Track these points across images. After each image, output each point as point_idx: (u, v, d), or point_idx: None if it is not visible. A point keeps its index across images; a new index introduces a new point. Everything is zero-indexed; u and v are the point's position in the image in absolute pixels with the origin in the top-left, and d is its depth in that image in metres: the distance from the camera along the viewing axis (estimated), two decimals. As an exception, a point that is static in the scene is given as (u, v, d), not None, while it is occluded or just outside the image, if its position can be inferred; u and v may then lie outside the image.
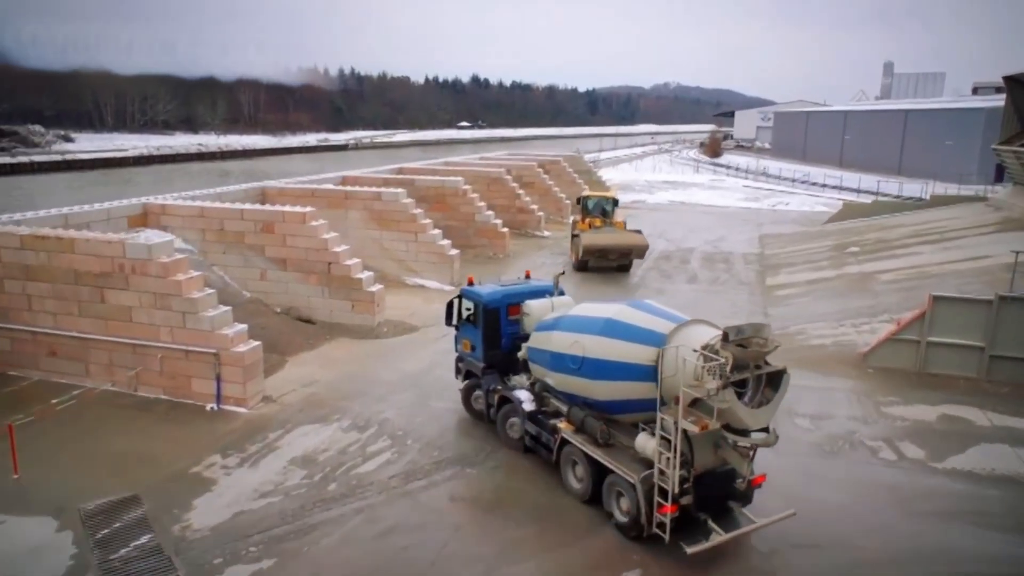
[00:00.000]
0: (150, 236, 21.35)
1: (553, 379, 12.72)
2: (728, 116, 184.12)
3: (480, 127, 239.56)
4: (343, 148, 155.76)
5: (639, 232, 29.68)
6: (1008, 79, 33.92)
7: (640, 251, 28.86)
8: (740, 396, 10.02)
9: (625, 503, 11.02)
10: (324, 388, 16.94)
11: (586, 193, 33.03)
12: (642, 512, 10.51)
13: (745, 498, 11.11)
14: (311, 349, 19.73)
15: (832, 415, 15.67)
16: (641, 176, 77.10)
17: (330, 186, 27.76)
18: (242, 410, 15.55)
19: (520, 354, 13.87)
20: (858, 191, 64.40)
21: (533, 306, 14.11)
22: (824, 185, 70.12)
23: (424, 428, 14.87)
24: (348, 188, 27.45)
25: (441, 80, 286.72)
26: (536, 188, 42.69)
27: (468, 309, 15.03)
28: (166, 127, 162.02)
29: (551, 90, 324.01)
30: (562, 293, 14.96)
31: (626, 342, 10.93)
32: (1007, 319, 17.04)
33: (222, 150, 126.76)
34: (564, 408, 12.71)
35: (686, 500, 10.28)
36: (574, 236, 29.95)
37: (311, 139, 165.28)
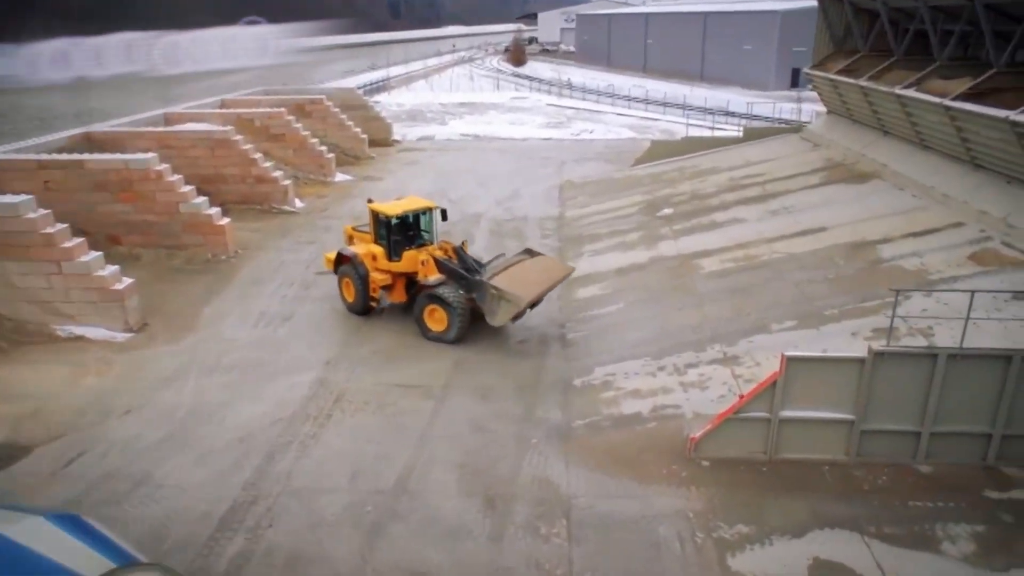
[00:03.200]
0: None
1: None
2: (532, 18, 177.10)
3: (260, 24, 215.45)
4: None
5: (543, 255, 18.70)
6: (821, -9, 29.37)
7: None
8: None
9: None
10: None
11: (377, 204, 18.30)
12: None
13: None
14: None
15: (658, 595, 9.90)
16: (436, 98, 68.96)
17: (-91, 197, 17.90)
18: None
19: None
20: (664, 105, 60.57)
21: None
22: (629, 98, 65.87)
23: None
24: (-63, 199, 17.77)
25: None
26: (288, 141, 33.83)
27: None
28: None
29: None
30: None
31: None
32: (883, 381, 11.91)
33: None
34: None
35: None
36: (340, 261, 18.69)
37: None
